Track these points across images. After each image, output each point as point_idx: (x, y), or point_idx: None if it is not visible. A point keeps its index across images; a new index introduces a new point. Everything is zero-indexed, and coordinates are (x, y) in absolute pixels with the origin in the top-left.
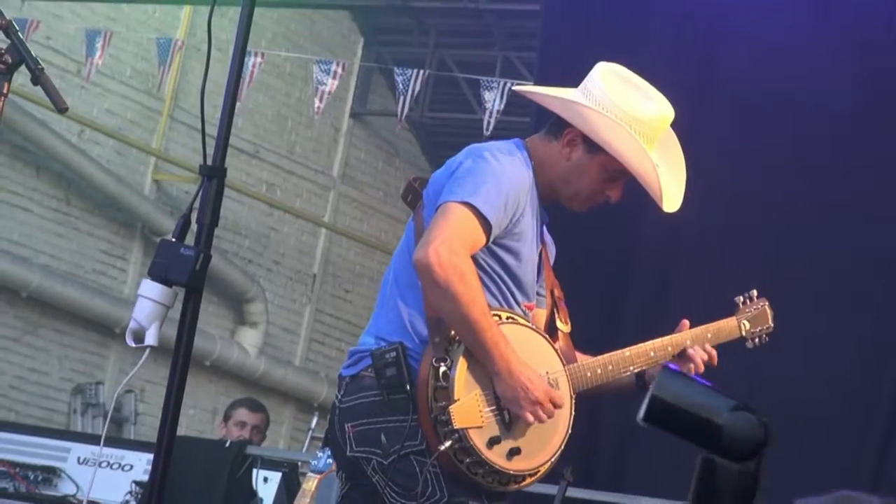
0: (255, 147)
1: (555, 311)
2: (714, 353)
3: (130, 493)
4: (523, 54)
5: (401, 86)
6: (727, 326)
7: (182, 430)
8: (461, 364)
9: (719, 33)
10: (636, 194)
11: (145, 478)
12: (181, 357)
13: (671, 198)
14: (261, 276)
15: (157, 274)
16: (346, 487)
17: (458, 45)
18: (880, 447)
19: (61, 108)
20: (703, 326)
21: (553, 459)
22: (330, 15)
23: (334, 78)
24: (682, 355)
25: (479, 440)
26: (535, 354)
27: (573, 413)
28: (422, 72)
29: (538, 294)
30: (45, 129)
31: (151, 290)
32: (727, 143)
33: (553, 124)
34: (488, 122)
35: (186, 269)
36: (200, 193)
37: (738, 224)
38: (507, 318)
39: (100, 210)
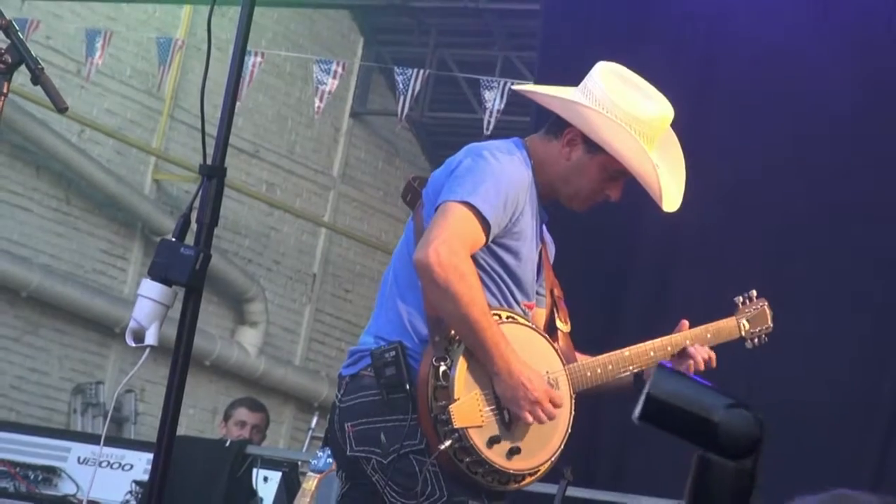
0: (255, 147)
1: (554, 310)
2: (713, 354)
3: (130, 492)
4: (523, 54)
5: (401, 85)
6: (727, 326)
7: (182, 430)
8: (461, 363)
9: (719, 33)
10: (636, 194)
11: (145, 477)
12: (181, 357)
13: (671, 197)
14: (261, 276)
15: (157, 273)
16: (346, 487)
17: (459, 44)
18: (880, 447)
19: (61, 108)
20: (702, 326)
21: (553, 459)
22: (330, 14)
23: (334, 77)
24: (683, 353)
25: (478, 439)
26: (536, 354)
27: (573, 412)
28: (422, 71)
29: (538, 293)
30: (45, 129)
31: (151, 289)
32: (727, 143)
33: (553, 124)
34: (488, 122)
35: (186, 268)
36: (200, 193)
37: (738, 224)
38: (508, 317)
39: (100, 210)
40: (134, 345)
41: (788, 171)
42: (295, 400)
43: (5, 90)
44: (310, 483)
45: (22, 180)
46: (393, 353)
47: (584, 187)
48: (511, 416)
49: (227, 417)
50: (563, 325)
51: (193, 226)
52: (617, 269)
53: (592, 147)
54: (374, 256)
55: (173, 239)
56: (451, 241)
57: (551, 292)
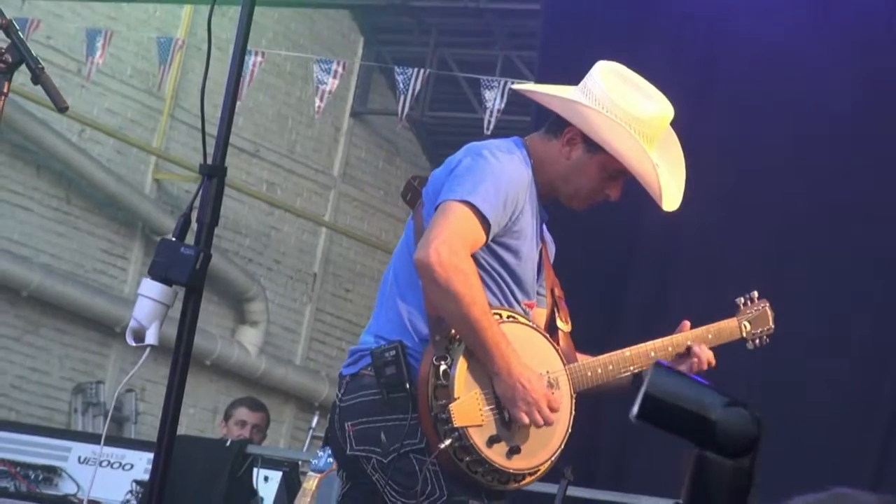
0: (255, 146)
1: (555, 310)
2: (713, 358)
3: (131, 492)
4: (524, 53)
5: (401, 85)
6: (728, 327)
7: (182, 430)
8: (461, 362)
9: (719, 33)
10: (636, 194)
11: (146, 477)
12: (181, 356)
13: (671, 197)
14: (261, 276)
15: (157, 273)
16: (346, 486)
17: (459, 44)
18: (880, 447)
19: (62, 108)
20: (703, 327)
21: (553, 458)
22: (330, 14)
23: (335, 77)
24: (686, 353)
25: (478, 439)
26: (536, 353)
27: (573, 412)
28: (422, 71)
29: (538, 293)
30: (45, 129)
31: (152, 289)
32: (727, 143)
33: (553, 123)
34: (489, 122)
35: (187, 268)
36: (201, 192)
37: (738, 224)
38: (508, 316)
39: (100, 209)
40: (134, 344)
41: (788, 171)
42: (295, 399)
43: (6, 90)
44: (310, 483)
45: (22, 180)
46: (393, 352)
47: (583, 186)
48: (511, 415)
49: (227, 417)
50: (563, 325)
51: (194, 225)
52: (617, 269)
53: (592, 146)
54: (375, 256)
55: (174, 238)
56: (452, 241)
57: (552, 292)
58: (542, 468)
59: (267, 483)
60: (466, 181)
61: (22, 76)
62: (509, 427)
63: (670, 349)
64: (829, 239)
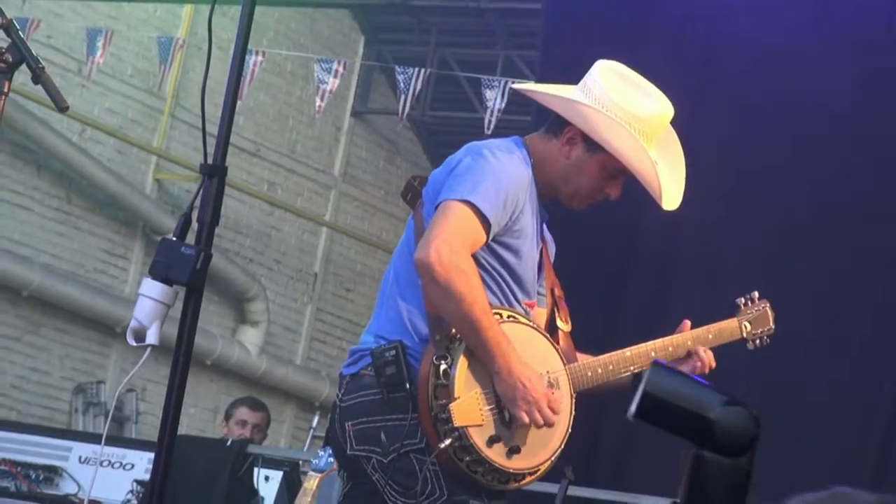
0: (256, 146)
1: (555, 309)
2: (713, 360)
3: (132, 492)
4: (525, 53)
5: (402, 84)
6: (728, 327)
7: (183, 429)
8: (462, 362)
9: (719, 33)
10: (636, 193)
11: (146, 477)
12: (182, 356)
13: (671, 195)
14: (262, 275)
15: (157, 273)
16: (347, 486)
17: (460, 43)
18: (880, 447)
19: (62, 107)
20: (704, 327)
21: (553, 458)
22: (331, 14)
23: (335, 77)
24: (689, 355)
25: (478, 438)
26: (536, 353)
27: (573, 412)
28: (423, 70)
29: (538, 292)
30: (46, 128)
31: (152, 289)
32: (727, 143)
33: (552, 122)
34: (489, 121)
35: (187, 267)
36: (201, 192)
37: (738, 224)
38: (509, 316)
39: (101, 209)
40: (135, 344)
41: (788, 171)
42: (296, 399)
43: (6, 89)
44: (311, 482)
45: (23, 179)
46: (393, 352)
47: (583, 186)
48: (511, 415)
49: (228, 417)
50: (563, 325)
51: (194, 225)
52: (617, 269)
53: (592, 145)
54: (376, 255)
55: (174, 238)
56: (452, 240)
57: (552, 291)
58: (543, 468)
59: (268, 483)
60: (466, 181)
61: (22, 76)
62: (509, 427)
63: (671, 349)
64: (829, 239)
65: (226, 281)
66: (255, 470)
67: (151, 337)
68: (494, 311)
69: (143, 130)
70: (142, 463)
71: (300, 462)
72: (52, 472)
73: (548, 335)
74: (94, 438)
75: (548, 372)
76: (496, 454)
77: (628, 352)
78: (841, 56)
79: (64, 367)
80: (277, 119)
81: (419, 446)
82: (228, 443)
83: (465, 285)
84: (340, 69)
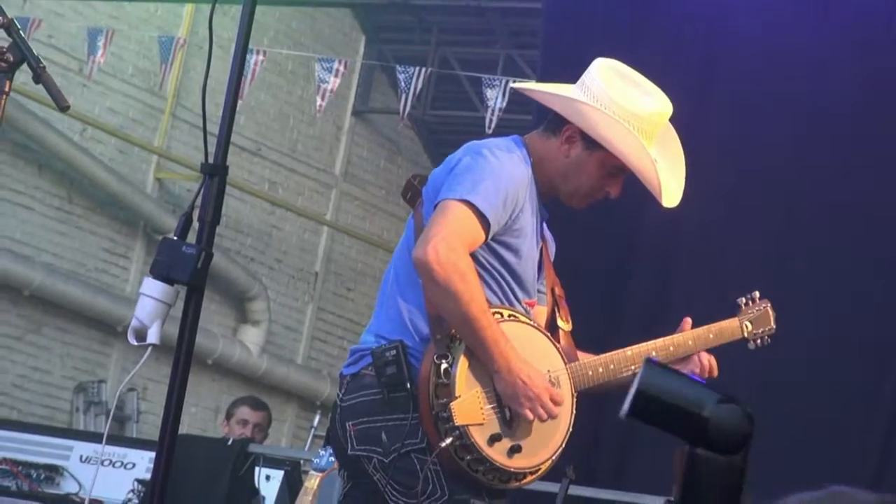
0: (257, 145)
1: (556, 308)
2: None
3: (133, 491)
4: (525, 52)
5: (403, 83)
6: (729, 327)
7: (184, 429)
8: (462, 361)
9: (719, 33)
10: (636, 191)
11: (147, 476)
12: (183, 355)
13: (670, 193)
14: (263, 275)
15: (158, 272)
16: (347, 486)
17: (461, 42)
18: (880, 447)
19: (63, 107)
20: (705, 327)
21: (554, 457)
22: (332, 13)
23: (336, 76)
24: (689, 358)
25: (479, 437)
26: (537, 352)
27: (574, 411)
28: (424, 69)
29: (539, 291)
30: (47, 128)
31: (153, 288)
32: (727, 143)
33: (551, 121)
34: (490, 120)
35: (188, 267)
36: (202, 191)
37: (738, 224)
38: (509, 315)
39: (102, 208)
40: (136, 343)
41: (788, 171)
42: (297, 398)
43: (7, 89)
44: (312, 482)
45: (24, 179)
46: (394, 351)
47: (583, 184)
48: (512, 413)
49: (229, 416)
50: (564, 324)
51: (195, 224)
52: (617, 267)
53: (591, 144)
54: (376, 255)
55: (175, 237)
56: (450, 239)
57: (552, 290)
58: (544, 467)
59: (269, 482)
60: (466, 180)
61: (23, 75)
62: (510, 425)
63: (671, 348)
64: (829, 239)
65: (227, 280)
66: (257, 469)
67: (152, 336)
68: (495, 310)
69: (144, 130)
70: (143, 462)
71: (301, 461)
72: (53, 472)
73: (548, 334)
74: (95, 438)
75: (549, 371)
76: (497, 453)
77: (629, 351)
78: (841, 56)
79: (65, 367)
80: (278, 118)
81: (420, 446)
82: (229, 442)
83: (463, 284)
84: (341, 68)
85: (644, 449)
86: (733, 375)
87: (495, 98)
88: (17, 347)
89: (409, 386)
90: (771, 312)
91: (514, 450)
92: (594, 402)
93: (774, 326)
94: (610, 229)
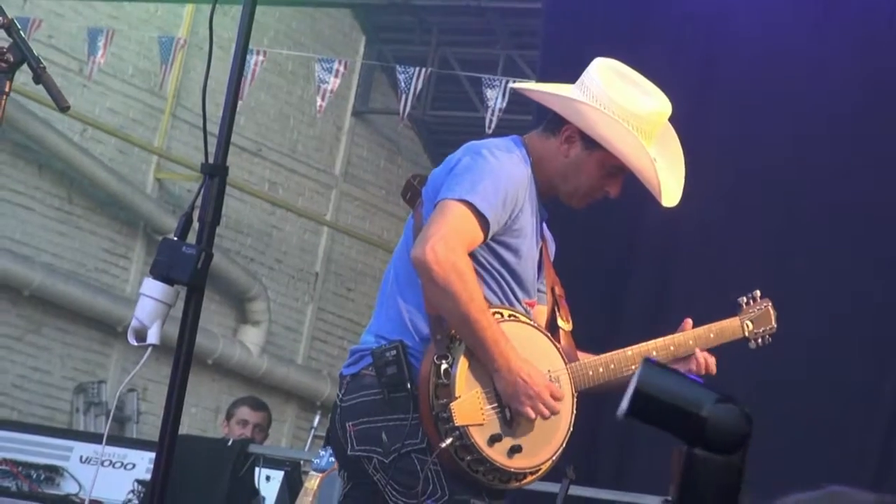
0: (257, 145)
1: (556, 308)
2: (712, 361)
3: (133, 491)
4: (525, 52)
5: (403, 84)
6: (730, 326)
7: (184, 429)
8: (462, 361)
9: (719, 33)
10: (636, 190)
11: (147, 476)
12: (183, 355)
13: (670, 192)
14: (263, 275)
15: (159, 272)
16: (347, 486)
17: (461, 42)
18: (880, 447)
19: (63, 107)
20: (705, 326)
21: (555, 457)
22: (332, 13)
23: (336, 76)
24: (686, 357)
25: (479, 437)
26: (537, 352)
27: (575, 411)
28: (424, 70)
29: (539, 291)
30: (47, 128)
31: (153, 288)
32: (727, 143)
33: (551, 121)
34: (490, 121)
35: (188, 267)
36: (202, 192)
37: (738, 223)
38: (509, 315)
39: (102, 209)
40: (136, 344)
41: (788, 171)
42: (297, 399)
43: (7, 89)
44: (312, 482)
45: (24, 179)
46: (394, 351)
47: (582, 184)
48: (512, 413)
49: (229, 416)
50: (564, 324)
51: (195, 225)
52: (618, 267)
53: (590, 143)
54: (376, 255)
55: (175, 238)
56: (449, 239)
57: (552, 290)
58: (544, 467)
59: (269, 482)
60: (465, 180)
61: (23, 75)
62: (511, 426)
63: (672, 348)
64: (829, 239)
65: (227, 280)
66: (257, 470)
67: (152, 336)
68: (495, 310)
69: (145, 130)
70: (143, 463)
71: (301, 462)
72: (53, 472)
73: (548, 334)
74: (95, 438)
75: (549, 371)
76: (497, 453)
77: (629, 351)
78: (841, 55)
79: (65, 367)
80: (278, 119)
81: (420, 446)
82: (230, 442)
83: (462, 283)
84: (341, 69)
85: (644, 449)
86: (733, 375)
87: (495, 98)
88: (17, 348)
89: (409, 386)
90: (772, 311)
91: (515, 450)
92: (594, 402)
93: (776, 325)
94: (610, 229)
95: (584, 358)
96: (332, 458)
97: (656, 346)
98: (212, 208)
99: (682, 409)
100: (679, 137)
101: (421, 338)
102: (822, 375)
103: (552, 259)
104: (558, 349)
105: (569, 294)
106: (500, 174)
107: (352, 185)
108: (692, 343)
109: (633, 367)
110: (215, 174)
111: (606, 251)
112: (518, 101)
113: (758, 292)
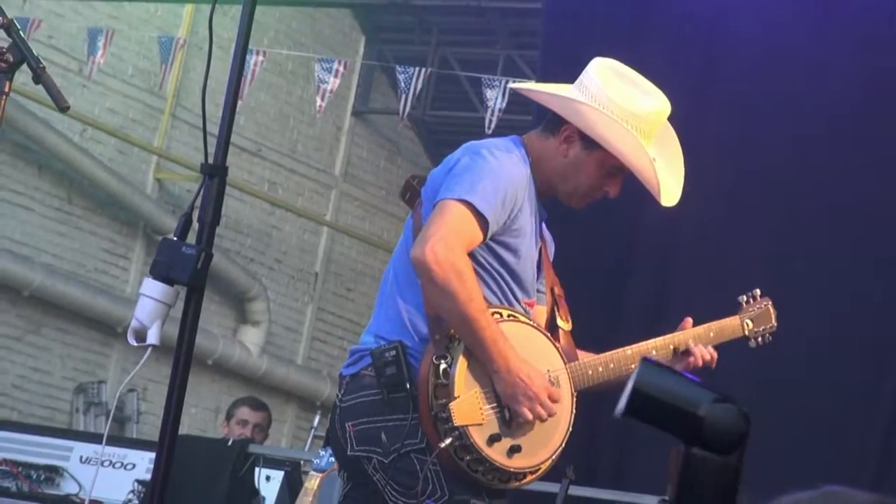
0: (256, 145)
1: (555, 308)
2: (715, 355)
3: (133, 491)
4: (525, 52)
5: (403, 84)
6: (730, 325)
7: (184, 429)
8: (461, 361)
9: (719, 33)
10: (635, 190)
11: (147, 477)
12: (183, 356)
13: (669, 192)
14: (263, 275)
15: (158, 273)
16: (347, 486)
17: (460, 42)
18: (880, 447)
19: (63, 107)
20: (705, 325)
21: (554, 457)
22: (332, 13)
23: (336, 76)
24: (685, 352)
25: (479, 437)
26: (537, 352)
27: (574, 411)
28: (424, 70)
29: (538, 291)
30: (47, 128)
31: (153, 288)
32: (727, 143)
33: (550, 121)
34: (490, 121)
35: (188, 267)
36: (202, 192)
37: (738, 223)
38: (509, 315)
39: (102, 209)
40: (136, 344)
41: (788, 171)
42: (297, 399)
43: (7, 89)
44: (312, 482)
45: (24, 179)
46: (393, 352)
47: (582, 184)
48: (511, 413)
49: (229, 416)
50: (563, 323)
51: (195, 225)
52: (617, 267)
53: (589, 143)
54: (376, 255)
55: (175, 238)
56: (448, 239)
57: (552, 290)
58: (544, 467)
59: (269, 483)
60: (464, 180)
61: (23, 76)
62: (510, 425)
63: (672, 347)
64: (829, 239)
65: (227, 281)
66: (257, 470)
67: (152, 337)
68: (494, 310)
69: (144, 130)
70: (143, 463)
71: (301, 462)
72: (53, 472)
73: (548, 334)
74: (95, 438)
75: (548, 370)
76: (497, 453)
77: (629, 350)
78: (841, 55)
79: (65, 367)
80: (278, 119)
81: (420, 446)
82: (229, 443)
83: (461, 283)
84: (341, 69)
85: (644, 449)
86: (732, 374)
87: (495, 98)
88: (16, 348)
89: (408, 386)
90: (772, 310)
91: (514, 450)
92: (594, 402)
93: (776, 324)
94: (609, 229)
95: (584, 357)
96: (332, 459)
97: (656, 346)
98: (211, 208)
99: (680, 408)
100: (679, 137)
101: (420, 338)
102: (822, 375)
103: (551, 259)
104: (557, 349)
105: (569, 294)
106: (500, 174)
107: (351, 185)
108: (692, 343)
109: (633, 366)
110: (215, 174)
111: (606, 251)
112: (518, 102)
113: (758, 291)
